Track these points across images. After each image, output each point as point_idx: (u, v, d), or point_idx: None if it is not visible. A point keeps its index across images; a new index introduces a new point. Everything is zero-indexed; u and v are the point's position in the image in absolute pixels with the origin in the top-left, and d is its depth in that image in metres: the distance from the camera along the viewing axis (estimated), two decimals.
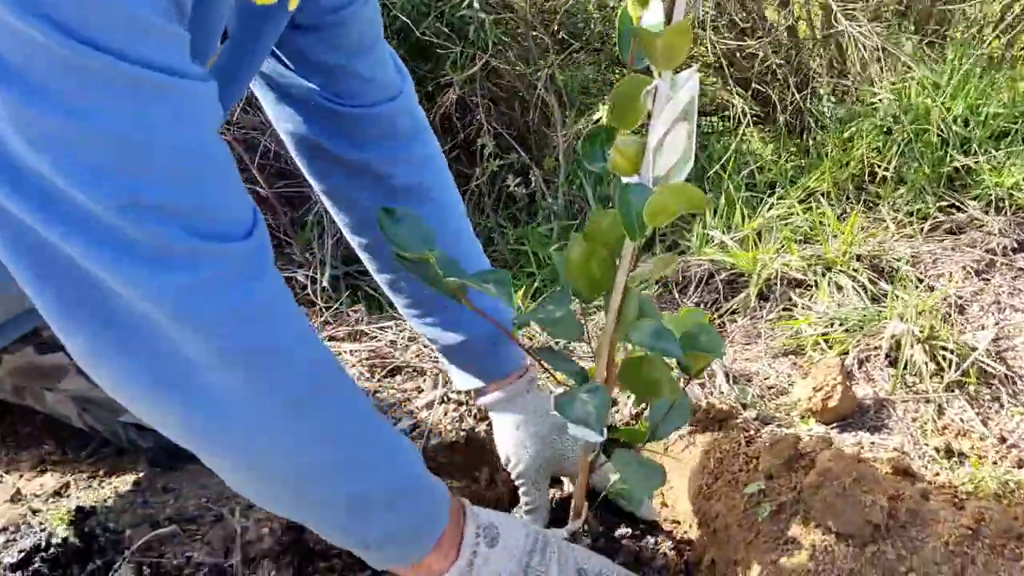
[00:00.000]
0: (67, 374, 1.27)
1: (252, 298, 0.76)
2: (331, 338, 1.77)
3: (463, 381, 1.30)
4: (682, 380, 1.05)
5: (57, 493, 1.33)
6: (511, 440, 1.29)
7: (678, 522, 1.43)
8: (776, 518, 1.25)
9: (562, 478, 1.39)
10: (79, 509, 1.26)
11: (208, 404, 0.76)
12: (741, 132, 2.26)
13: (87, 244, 0.69)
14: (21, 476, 1.37)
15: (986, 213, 1.96)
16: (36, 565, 1.18)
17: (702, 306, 1.87)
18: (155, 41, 0.67)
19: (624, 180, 0.90)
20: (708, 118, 2.65)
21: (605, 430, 1.07)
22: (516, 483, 1.31)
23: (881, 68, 2.31)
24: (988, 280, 1.80)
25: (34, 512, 1.29)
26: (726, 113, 2.55)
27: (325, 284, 1.98)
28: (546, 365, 1.08)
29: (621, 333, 0.96)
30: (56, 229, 0.68)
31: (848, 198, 2.15)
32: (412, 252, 0.88)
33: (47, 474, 1.37)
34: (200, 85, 0.72)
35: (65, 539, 1.21)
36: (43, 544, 1.20)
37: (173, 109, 0.69)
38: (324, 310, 1.88)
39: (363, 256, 1.25)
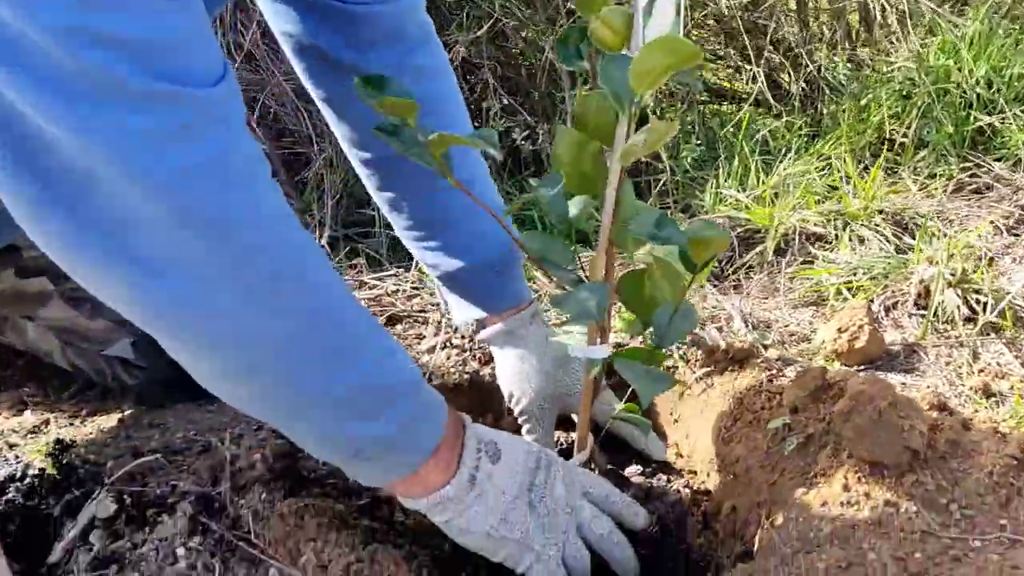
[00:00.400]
0: (50, 300, 1.20)
1: (212, 155, 0.67)
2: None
3: (463, 313, 1.23)
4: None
5: (36, 430, 1.25)
6: (514, 374, 1.22)
7: (695, 472, 1.35)
8: (803, 452, 1.17)
9: (571, 416, 1.31)
10: (58, 442, 1.18)
11: (161, 276, 0.68)
12: (753, 99, 2.19)
13: (25, 82, 0.60)
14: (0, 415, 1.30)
15: (1013, 172, 1.88)
16: (10, 495, 1.10)
17: (717, 264, 1.79)
18: None
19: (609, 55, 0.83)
20: (719, 100, 2.60)
21: (610, 346, 1.00)
22: (519, 420, 1.24)
23: (902, 32, 2.25)
24: (1019, 235, 1.72)
25: (11, 447, 1.21)
26: (737, 85, 2.49)
27: (323, 244, 1.91)
28: (545, 268, 1.01)
29: (619, 225, 0.89)
30: None
31: (866, 165, 2.08)
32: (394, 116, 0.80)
33: (27, 413, 1.30)
34: None
35: (42, 470, 1.14)
36: (18, 475, 1.13)
37: None
38: None
39: (364, 173, 1.18)
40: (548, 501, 0.93)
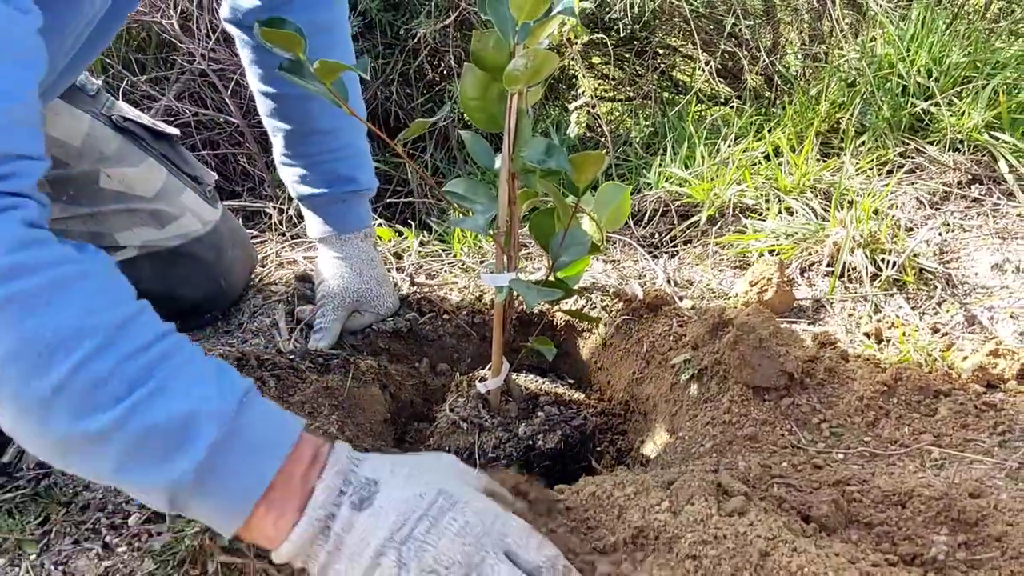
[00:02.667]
0: None
1: None
2: (291, 261, 1.82)
3: (315, 229, 1.47)
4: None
5: None
6: (330, 266, 1.46)
7: (615, 414, 1.45)
8: (699, 382, 1.27)
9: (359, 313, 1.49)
10: None
11: None
12: (703, 89, 2.30)
13: None
14: None
15: (943, 153, 1.98)
16: None
17: (655, 236, 1.89)
18: None
19: None
20: (679, 92, 2.71)
21: (513, 275, 1.11)
22: (317, 302, 1.46)
23: (850, 27, 2.36)
24: (940, 208, 1.82)
25: None
26: (690, 75, 2.60)
27: (292, 214, 2.03)
28: (463, 206, 1.12)
29: (516, 154, 1.00)
30: None
31: (812, 150, 2.18)
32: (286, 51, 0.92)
33: None
34: None
35: None
36: None
37: None
38: (289, 236, 1.94)
39: (262, 105, 1.38)
40: (425, 557, 0.74)
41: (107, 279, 0.76)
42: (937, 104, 2.06)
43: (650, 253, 1.80)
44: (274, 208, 2.06)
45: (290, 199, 2.09)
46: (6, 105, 0.72)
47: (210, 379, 0.76)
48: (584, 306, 1.50)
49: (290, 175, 1.42)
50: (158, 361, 0.73)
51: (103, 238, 1.36)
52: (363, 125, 1.34)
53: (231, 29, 1.35)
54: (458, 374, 1.36)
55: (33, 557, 0.99)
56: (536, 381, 1.40)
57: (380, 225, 1.94)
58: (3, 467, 1.13)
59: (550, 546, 0.78)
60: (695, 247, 1.81)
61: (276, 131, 1.38)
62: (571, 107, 2.18)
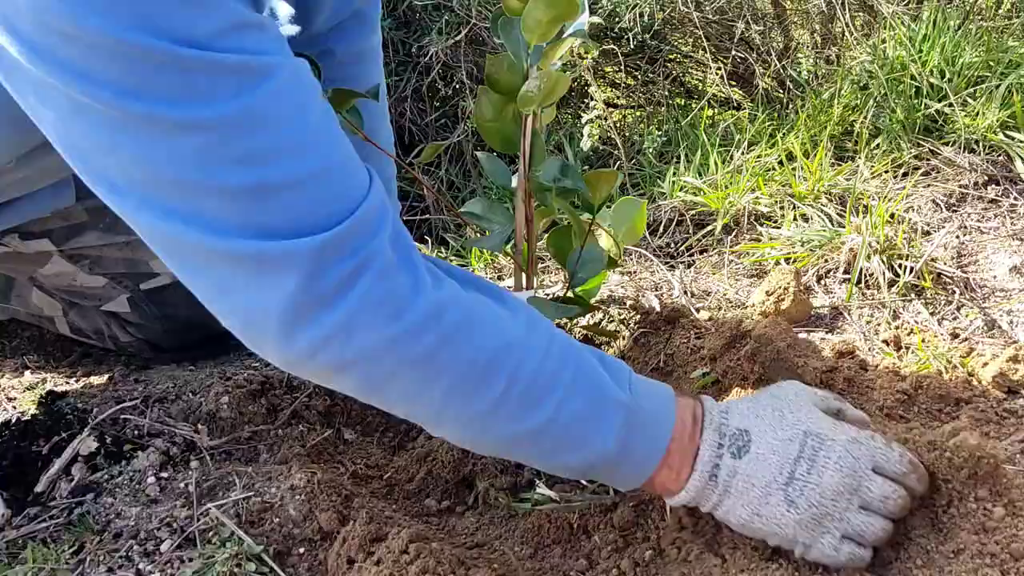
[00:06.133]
0: (50, 259, 1.34)
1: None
2: None
3: None
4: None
5: (33, 386, 1.40)
6: None
7: None
8: (715, 391, 1.27)
9: None
10: (50, 392, 1.33)
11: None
12: (718, 96, 2.30)
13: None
14: (2, 376, 1.45)
15: (958, 154, 1.97)
16: (5, 437, 1.24)
17: (671, 246, 1.90)
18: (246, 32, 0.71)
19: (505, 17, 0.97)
20: (691, 98, 2.72)
21: (526, 293, 1.12)
22: None
23: (861, 29, 2.35)
24: (956, 211, 1.81)
25: (9, 399, 1.36)
26: (702, 80, 2.61)
27: None
28: (481, 225, 1.13)
29: (532, 173, 1.02)
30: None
31: (826, 155, 2.18)
32: None
33: (27, 373, 1.44)
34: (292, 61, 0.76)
35: (34, 416, 1.28)
36: (12, 420, 1.27)
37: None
38: None
39: None
40: (812, 493, 0.85)
41: (492, 298, 0.87)
42: (951, 105, 2.06)
43: (666, 264, 1.81)
44: None
45: None
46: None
47: (599, 367, 0.88)
48: (601, 320, 1.51)
49: None
50: (562, 359, 0.85)
51: (138, 265, 1.39)
52: (391, 149, 1.34)
53: None
54: None
55: None
56: None
57: None
58: (37, 497, 1.16)
59: (903, 449, 0.89)
60: (711, 256, 1.82)
61: None
62: (583, 119, 2.19)
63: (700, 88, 2.68)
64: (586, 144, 2.07)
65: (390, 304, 0.76)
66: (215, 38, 0.68)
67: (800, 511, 0.85)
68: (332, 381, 0.82)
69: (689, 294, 1.61)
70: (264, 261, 0.72)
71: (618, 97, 2.80)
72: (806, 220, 1.80)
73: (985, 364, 1.25)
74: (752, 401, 0.93)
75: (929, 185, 1.90)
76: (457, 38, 2.28)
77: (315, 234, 0.72)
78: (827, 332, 1.45)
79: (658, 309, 1.47)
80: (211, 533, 1.06)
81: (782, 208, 1.86)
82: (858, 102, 2.24)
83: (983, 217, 1.78)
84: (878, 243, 1.57)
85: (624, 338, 1.48)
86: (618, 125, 2.51)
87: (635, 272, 1.76)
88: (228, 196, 0.71)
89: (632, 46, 2.45)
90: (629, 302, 1.53)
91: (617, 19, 2.43)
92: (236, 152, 0.70)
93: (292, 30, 1.27)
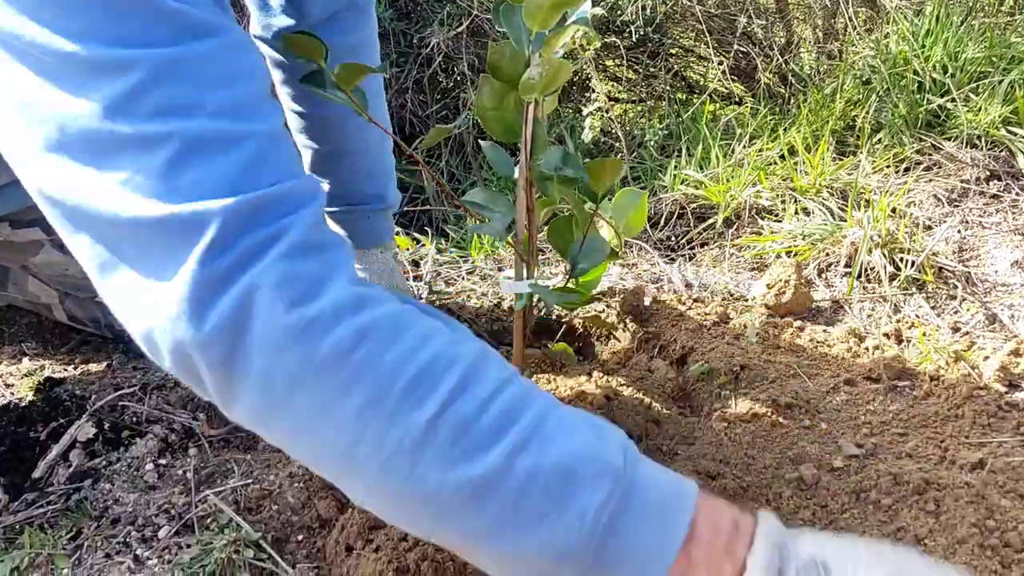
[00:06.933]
0: (42, 248, 1.33)
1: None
2: None
3: None
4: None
5: (31, 373, 1.39)
6: None
7: None
8: (712, 386, 1.26)
9: None
10: (48, 379, 1.32)
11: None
12: (719, 89, 2.30)
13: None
14: (0, 363, 1.44)
15: (960, 149, 1.97)
16: (3, 423, 1.24)
17: (672, 239, 1.90)
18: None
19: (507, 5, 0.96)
20: (693, 93, 2.71)
21: (527, 283, 1.12)
22: None
23: (864, 24, 2.35)
24: (958, 205, 1.81)
25: (7, 386, 1.35)
26: (703, 74, 2.60)
27: None
28: (482, 214, 1.13)
29: (533, 162, 1.01)
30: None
31: (828, 149, 2.17)
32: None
33: (25, 360, 1.44)
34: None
35: (32, 402, 1.27)
36: (11, 406, 1.26)
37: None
38: None
39: (292, 123, 1.37)
40: None
41: (440, 324, 0.68)
42: (953, 100, 2.05)
43: (667, 256, 1.80)
44: None
45: None
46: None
47: (582, 424, 0.65)
48: (601, 312, 1.51)
49: None
50: (525, 398, 0.64)
51: None
52: (389, 142, 1.34)
53: (263, 48, 1.35)
54: None
55: (65, 572, 1.01)
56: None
57: (397, 233, 1.95)
58: (34, 482, 1.15)
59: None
60: (712, 249, 1.81)
61: (305, 148, 1.39)
62: (585, 111, 2.18)
63: (702, 83, 2.67)
64: (587, 136, 2.06)
65: (297, 285, 0.62)
66: None
67: None
68: (230, 400, 0.64)
69: (689, 286, 1.60)
70: (170, 225, 0.61)
71: (620, 91, 2.79)
72: (807, 214, 1.80)
73: (986, 358, 1.25)
74: (836, 537, 0.68)
75: (931, 180, 1.90)
76: (459, 29, 2.27)
77: (230, 195, 0.62)
78: (827, 324, 1.45)
79: (654, 301, 1.47)
80: (209, 520, 1.06)
81: (783, 202, 1.85)
82: (860, 97, 2.24)
83: (985, 212, 1.78)
84: (879, 237, 1.56)
85: (622, 329, 1.48)
86: (619, 119, 2.50)
87: (635, 265, 1.76)
88: (141, 147, 0.62)
89: (634, 39, 2.44)
90: (627, 294, 1.53)
91: (619, 12, 2.42)
92: (158, 100, 0.62)
93: (287, 21, 1.26)
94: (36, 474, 1.16)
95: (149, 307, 0.63)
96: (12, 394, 1.31)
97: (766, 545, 0.61)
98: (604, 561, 0.60)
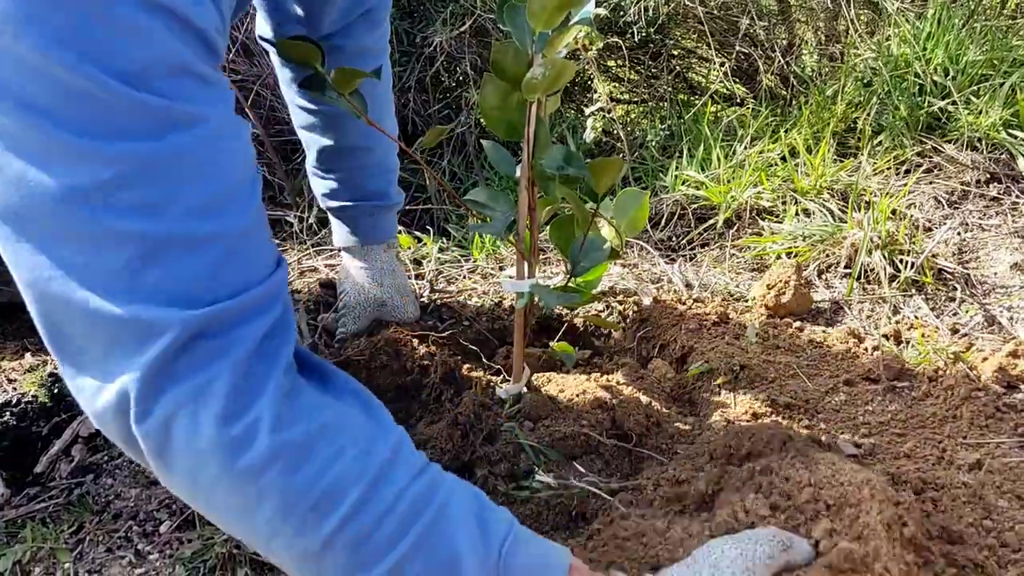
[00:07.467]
0: None
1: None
2: (312, 269, 1.84)
3: (341, 238, 1.49)
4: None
5: (33, 368, 1.39)
6: (354, 275, 1.49)
7: None
8: (708, 379, 1.27)
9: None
10: (51, 375, 1.33)
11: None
12: (719, 91, 2.30)
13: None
14: (2, 359, 1.44)
15: (960, 152, 1.97)
16: (5, 418, 1.24)
17: (672, 239, 1.90)
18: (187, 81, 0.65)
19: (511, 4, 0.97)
20: (694, 94, 2.71)
21: (528, 282, 1.12)
22: (339, 310, 1.50)
23: (866, 26, 2.35)
24: (958, 207, 1.81)
25: (10, 381, 1.36)
26: (705, 76, 2.61)
27: (312, 222, 2.05)
28: (483, 213, 1.13)
29: (536, 161, 1.02)
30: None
31: (829, 151, 2.18)
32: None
33: (27, 355, 1.44)
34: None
35: (35, 398, 1.28)
36: (13, 401, 1.27)
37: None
38: (309, 245, 1.96)
39: (296, 118, 1.38)
40: None
41: (361, 419, 0.75)
42: (954, 103, 2.06)
43: (667, 257, 1.81)
44: (295, 216, 2.08)
45: (310, 207, 2.11)
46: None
47: (471, 518, 0.73)
48: (602, 311, 1.51)
49: (321, 186, 1.43)
50: (420, 503, 0.71)
51: None
52: (395, 141, 1.35)
53: (269, 47, 1.35)
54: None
55: (67, 565, 1.01)
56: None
57: (399, 232, 1.96)
58: (37, 477, 1.16)
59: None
60: (712, 250, 1.82)
61: (310, 144, 1.39)
62: (587, 111, 2.19)
63: (703, 84, 2.68)
64: (589, 136, 2.07)
65: (229, 402, 0.67)
66: (146, 76, 0.62)
67: None
68: (164, 477, 0.70)
69: (689, 287, 1.61)
70: (127, 326, 0.64)
71: (622, 92, 2.80)
72: (808, 215, 1.80)
73: (985, 359, 1.26)
74: (688, 570, 0.77)
75: (931, 182, 1.90)
76: (462, 29, 2.28)
77: (189, 308, 0.65)
78: (827, 325, 1.46)
79: (655, 301, 1.47)
80: None
81: (784, 203, 1.86)
82: (861, 99, 2.24)
83: (984, 214, 1.78)
84: (879, 238, 1.57)
85: (621, 330, 1.48)
86: (621, 119, 2.51)
87: (636, 265, 1.76)
88: (113, 243, 0.63)
89: (637, 40, 2.45)
90: (627, 294, 1.54)
91: (622, 13, 2.42)
92: (133, 197, 0.62)
93: (300, 31, 1.27)
94: (38, 469, 1.17)
95: (96, 391, 0.67)
96: (15, 389, 1.31)
97: None
98: None
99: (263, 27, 1.29)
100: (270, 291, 0.72)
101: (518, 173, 1.11)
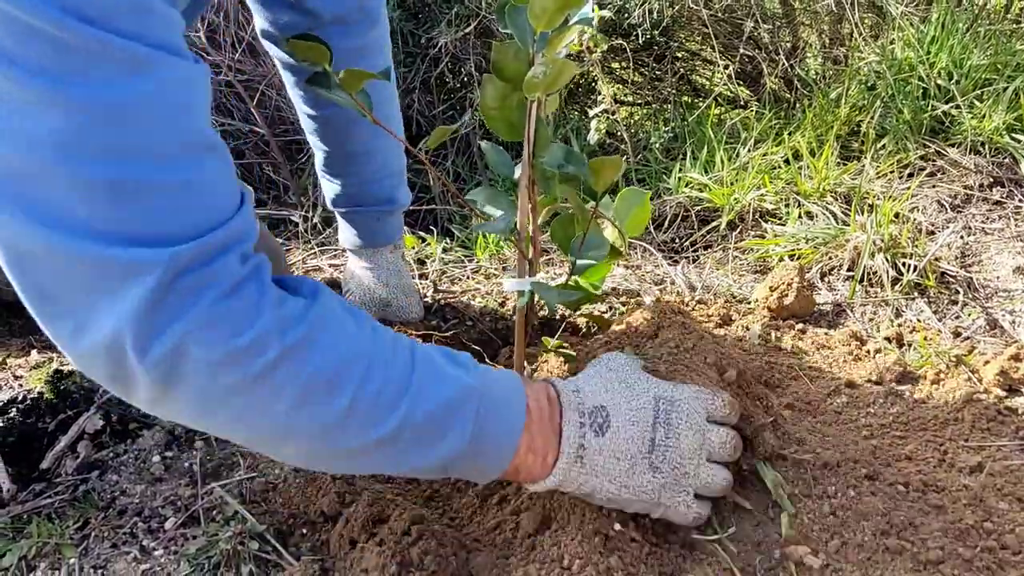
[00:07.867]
0: None
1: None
2: (316, 268, 1.85)
3: (348, 239, 1.50)
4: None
5: (39, 365, 1.40)
6: (359, 276, 1.50)
7: None
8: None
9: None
10: (57, 371, 1.34)
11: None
12: (725, 93, 2.30)
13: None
14: (9, 355, 1.45)
15: (964, 155, 1.98)
16: (11, 414, 1.25)
17: (676, 241, 1.91)
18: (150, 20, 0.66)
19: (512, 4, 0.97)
20: (698, 96, 2.72)
21: (529, 281, 1.13)
22: None
23: (870, 30, 2.36)
24: (961, 211, 1.82)
25: (16, 377, 1.37)
26: (709, 78, 2.61)
27: (316, 222, 2.06)
28: (483, 213, 1.14)
29: (536, 159, 1.02)
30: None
31: (832, 154, 2.18)
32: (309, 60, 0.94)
33: (33, 352, 1.45)
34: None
35: (41, 394, 1.29)
36: (19, 397, 1.28)
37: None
38: (314, 244, 1.97)
39: (306, 125, 1.38)
40: (673, 455, 0.89)
41: (339, 310, 0.82)
42: (958, 107, 2.06)
43: (670, 259, 1.81)
44: (299, 216, 2.09)
45: (315, 207, 2.12)
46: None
47: (448, 363, 0.86)
48: (605, 312, 1.52)
49: (329, 188, 1.43)
50: (410, 364, 0.82)
51: None
52: (401, 142, 1.35)
53: (272, 50, 1.34)
54: None
55: (72, 561, 1.02)
56: None
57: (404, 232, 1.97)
58: (42, 473, 1.17)
59: (724, 394, 0.94)
60: (715, 252, 1.82)
61: (317, 148, 1.39)
62: (591, 113, 2.19)
63: (707, 86, 2.68)
64: (593, 137, 2.07)
65: (232, 321, 0.71)
66: (109, 14, 0.61)
67: (664, 475, 0.89)
68: (165, 402, 0.73)
69: (692, 288, 1.61)
70: (109, 268, 0.65)
71: (626, 94, 2.81)
72: (811, 218, 1.81)
73: (987, 363, 1.26)
74: (596, 376, 0.93)
75: (935, 186, 1.91)
76: (466, 30, 2.29)
77: (169, 245, 0.67)
78: (829, 327, 1.46)
79: (657, 301, 1.48)
80: (215, 512, 1.07)
81: (787, 205, 1.86)
82: (865, 102, 2.25)
83: (988, 218, 1.78)
84: (882, 241, 1.57)
85: (622, 331, 1.48)
86: (625, 121, 2.51)
87: (639, 266, 1.77)
88: (81, 189, 0.63)
89: (641, 43, 2.45)
90: (630, 296, 1.54)
91: (626, 15, 2.43)
92: (99, 142, 0.63)
93: (294, 19, 1.26)
94: (44, 465, 1.18)
95: (79, 334, 0.68)
96: (21, 386, 1.32)
97: (571, 410, 0.88)
98: (477, 451, 0.83)
99: (261, 21, 1.28)
100: (245, 219, 0.76)
101: (517, 174, 1.11)
